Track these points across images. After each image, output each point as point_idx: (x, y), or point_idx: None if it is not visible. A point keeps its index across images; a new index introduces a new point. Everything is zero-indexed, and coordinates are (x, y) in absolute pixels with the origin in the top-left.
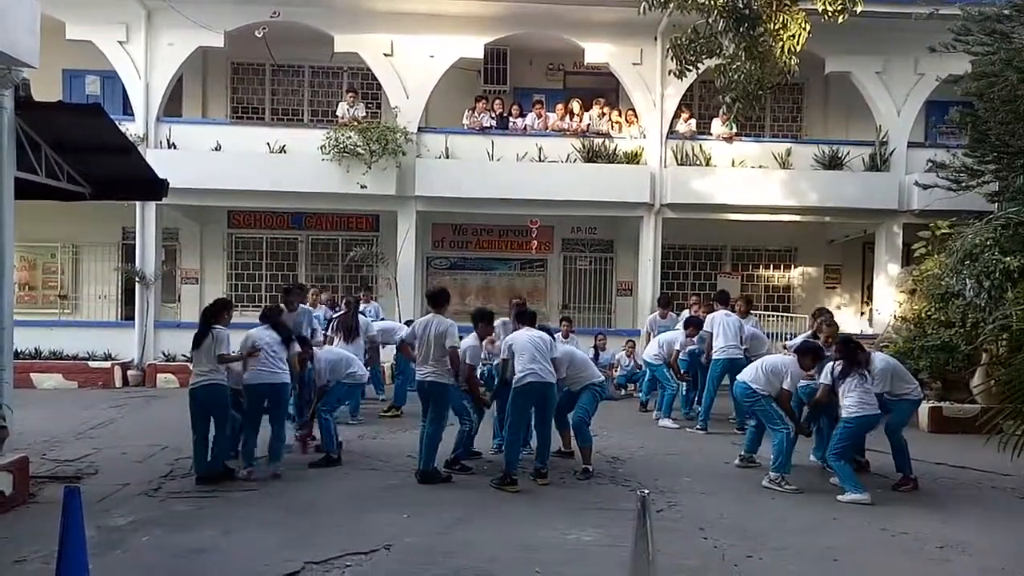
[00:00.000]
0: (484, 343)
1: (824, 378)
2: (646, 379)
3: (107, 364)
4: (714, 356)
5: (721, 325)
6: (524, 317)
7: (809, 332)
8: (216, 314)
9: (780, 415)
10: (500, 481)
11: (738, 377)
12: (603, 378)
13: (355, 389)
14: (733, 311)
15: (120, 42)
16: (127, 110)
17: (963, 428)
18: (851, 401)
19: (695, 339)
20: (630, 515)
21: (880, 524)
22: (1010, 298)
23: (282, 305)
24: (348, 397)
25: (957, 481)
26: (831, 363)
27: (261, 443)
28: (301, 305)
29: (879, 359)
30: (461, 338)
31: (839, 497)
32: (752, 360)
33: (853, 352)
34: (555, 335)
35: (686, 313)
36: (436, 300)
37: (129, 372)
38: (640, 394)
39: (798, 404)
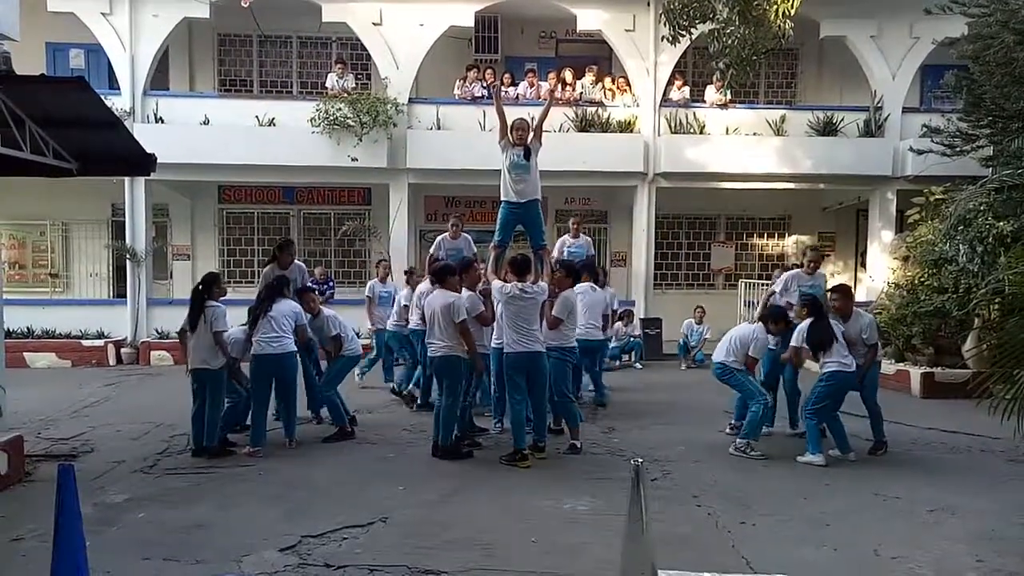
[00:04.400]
0: (479, 287)
1: (795, 340)
2: None
3: (100, 342)
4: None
5: (583, 300)
6: (520, 269)
7: (796, 265)
8: (207, 289)
9: (757, 387)
10: (511, 457)
11: (712, 357)
12: (575, 345)
13: (352, 362)
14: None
15: (103, 14)
16: (112, 84)
17: (955, 393)
18: (829, 359)
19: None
20: (625, 484)
21: (872, 489)
22: (1003, 263)
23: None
24: (346, 372)
25: (948, 446)
26: (803, 324)
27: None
28: (296, 262)
29: (863, 313)
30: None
31: (798, 457)
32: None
33: (820, 311)
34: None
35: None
36: (440, 277)
37: (122, 350)
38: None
39: (770, 364)
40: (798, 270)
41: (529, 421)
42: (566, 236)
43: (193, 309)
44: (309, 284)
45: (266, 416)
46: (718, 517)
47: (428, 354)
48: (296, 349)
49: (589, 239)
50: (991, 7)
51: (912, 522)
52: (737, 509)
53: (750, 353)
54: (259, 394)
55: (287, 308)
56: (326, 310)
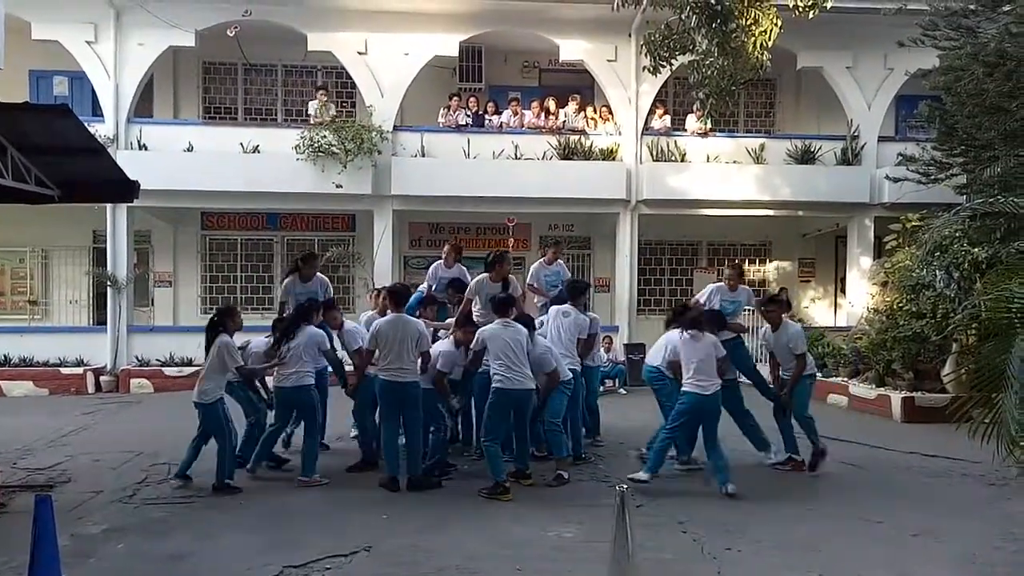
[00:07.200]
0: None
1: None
2: None
3: (79, 370)
4: None
5: (555, 327)
6: (501, 307)
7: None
8: (221, 322)
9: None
10: (491, 491)
11: (646, 360)
12: (571, 376)
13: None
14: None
15: (88, 42)
16: (96, 111)
17: (935, 417)
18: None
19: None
20: (610, 511)
21: (856, 513)
22: (979, 288)
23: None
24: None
25: (930, 470)
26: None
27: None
28: (319, 276)
29: (791, 324)
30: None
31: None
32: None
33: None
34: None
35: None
36: (400, 298)
37: (102, 378)
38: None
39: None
40: (722, 283)
41: (508, 452)
42: (541, 262)
43: (208, 341)
44: (330, 298)
45: (278, 437)
46: (704, 543)
47: (385, 379)
48: (313, 382)
49: (563, 263)
50: (961, 40)
51: (896, 547)
52: (723, 535)
53: (667, 356)
54: (284, 422)
55: (311, 340)
56: (348, 324)
